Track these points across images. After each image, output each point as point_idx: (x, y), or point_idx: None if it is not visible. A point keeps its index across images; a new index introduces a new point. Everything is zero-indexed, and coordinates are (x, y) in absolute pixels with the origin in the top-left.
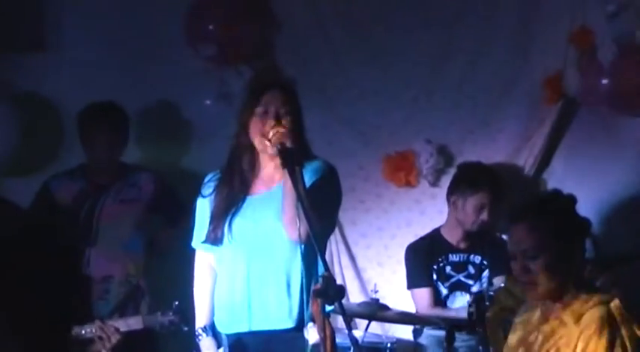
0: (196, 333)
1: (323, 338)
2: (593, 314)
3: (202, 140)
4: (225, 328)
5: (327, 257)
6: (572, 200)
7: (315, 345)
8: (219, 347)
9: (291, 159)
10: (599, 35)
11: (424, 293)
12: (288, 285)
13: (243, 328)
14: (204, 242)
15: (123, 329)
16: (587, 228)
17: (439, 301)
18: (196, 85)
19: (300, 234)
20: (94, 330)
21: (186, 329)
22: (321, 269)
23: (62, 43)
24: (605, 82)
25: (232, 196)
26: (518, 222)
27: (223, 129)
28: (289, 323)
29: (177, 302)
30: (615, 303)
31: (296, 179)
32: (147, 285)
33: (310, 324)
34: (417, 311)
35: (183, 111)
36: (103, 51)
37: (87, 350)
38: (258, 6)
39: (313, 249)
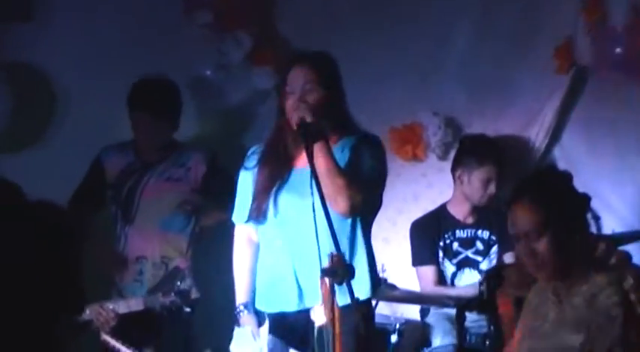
0: (237, 310)
1: (331, 320)
2: (606, 296)
3: (202, 113)
4: (268, 306)
5: None
6: (568, 175)
7: (320, 327)
8: (260, 325)
9: (308, 135)
10: (611, 1)
11: (428, 271)
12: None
13: (291, 307)
14: (248, 221)
15: (123, 310)
16: (586, 202)
17: (446, 279)
18: (194, 55)
19: (346, 207)
20: (92, 313)
21: (188, 310)
22: (356, 247)
23: (53, 13)
24: (617, 49)
25: (278, 169)
26: (517, 202)
27: (221, 100)
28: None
29: (179, 283)
30: (629, 283)
31: (310, 155)
32: (190, 268)
33: (317, 305)
34: (421, 290)
35: (180, 82)
36: (95, 20)
37: (87, 331)
38: None
39: (361, 223)
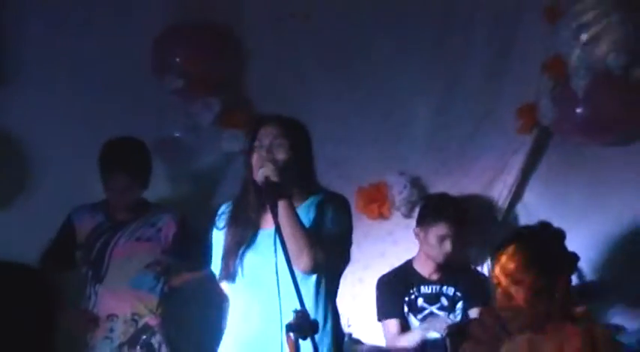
0: None
1: None
2: (575, 343)
3: (169, 175)
4: None
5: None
6: (561, 233)
7: None
8: None
9: (272, 193)
10: (572, 64)
11: (393, 324)
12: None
13: None
14: (219, 280)
15: None
16: (574, 262)
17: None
18: (163, 116)
19: (308, 266)
20: None
21: None
22: (320, 303)
23: (24, 76)
24: (578, 110)
25: (244, 231)
26: (506, 248)
27: (192, 161)
28: None
29: (144, 337)
30: (599, 332)
31: (275, 213)
32: (160, 325)
33: None
34: (386, 342)
35: (149, 144)
36: (66, 84)
37: None
38: (225, 37)
39: (325, 279)
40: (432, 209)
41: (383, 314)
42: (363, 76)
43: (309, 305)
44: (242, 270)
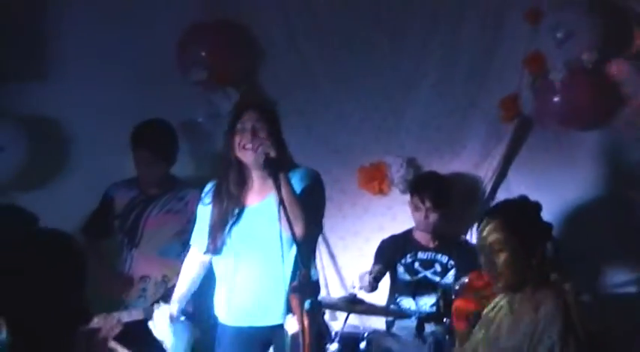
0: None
1: (302, 329)
2: (550, 304)
3: (193, 155)
4: (228, 321)
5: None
6: (537, 206)
7: (294, 335)
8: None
9: (274, 168)
10: (550, 59)
11: (373, 269)
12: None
13: (246, 323)
14: (206, 252)
15: (126, 319)
16: (548, 231)
17: (407, 293)
18: (188, 104)
19: (302, 232)
20: (98, 321)
21: (182, 319)
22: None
23: (64, 69)
24: (556, 100)
25: (228, 209)
26: (488, 220)
27: (212, 145)
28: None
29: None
30: (569, 295)
31: (279, 185)
32: None
33: (289, 316)
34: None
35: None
36: (103, 76)
37: (93, 339)
38: (243, 36)
39: (305, 249)
40: (414, 183)
41: (373, 263)
42: (363, 70)
43: (293, 269)
44: (230, 243)
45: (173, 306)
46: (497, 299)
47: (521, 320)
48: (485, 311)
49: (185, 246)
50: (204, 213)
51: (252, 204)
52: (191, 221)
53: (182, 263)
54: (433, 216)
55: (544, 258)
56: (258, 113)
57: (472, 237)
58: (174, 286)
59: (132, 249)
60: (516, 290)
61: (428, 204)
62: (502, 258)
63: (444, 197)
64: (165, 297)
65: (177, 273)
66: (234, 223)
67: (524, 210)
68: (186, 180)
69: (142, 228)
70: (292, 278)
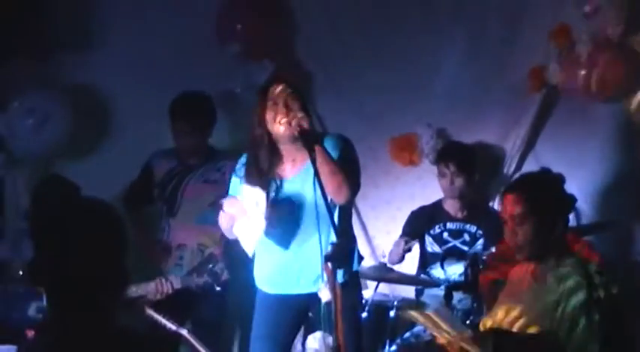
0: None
1: (334, 297)
2: (573, 277)
3: (231, 126)
4: (267, 289)
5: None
6: (560, 178)
7: (327, 303)
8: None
9: (313, 138)
10: (576, 32)
11: (400, 242)
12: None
13: (283, 290)
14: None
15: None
16: (570, 203)
17: (435, 262)
18: (226, 76)
19: (347, 197)
20: (145, 288)
21: (218, 289)
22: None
23: (108, 41)
24: (582, 73)
25: (266, 184)
26: (511, 192)
27: (250, 116)
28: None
29: (210, 266)
30: (593, 267)
31: (314, 157)
32: (223, 254)
33: (322, 284)
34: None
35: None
36: (144, 48)
37: (133, 306)
38: (279, 9)
39: (345, 217)
40: (439, 152)
41: (401, 234)
42: (395, 42)
43: (328, 239)
44: (270, 215)
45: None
46: (521, 268)
47: (544, 291)
48: (509, 278)
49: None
50: (236, 184)
51: (287, 176)
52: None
53: (219, 231)
54: (458, 181)
55: (567, 229)
56: (287, 88)
57: (498, 206)
58: (210, 255)
59: (170, 217)
60: (539, 260)
61: (452, 168)
62: (523, 230)
63: (468, 162)
64: (201, 267)
65: (214, 241)
66: (275, 195)
67: (545, 183)
68: (224, 151)
69: (179, 197)
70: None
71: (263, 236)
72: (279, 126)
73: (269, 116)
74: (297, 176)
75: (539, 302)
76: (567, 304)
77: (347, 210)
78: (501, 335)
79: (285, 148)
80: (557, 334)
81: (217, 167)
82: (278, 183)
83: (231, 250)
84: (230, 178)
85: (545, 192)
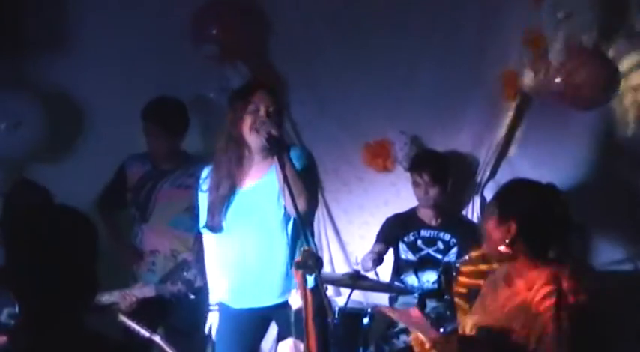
0: (211, 307)
1: (304, 304)
2: (542, 282)
3: (205, 129)
4: (234, 302)
5: (315, 232)
6: (551, 189)
7: (297, 310)
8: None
9: (278, 147)
10: (550, 39)
11: (375, 247)
12: (284, 263)
13: (247, 304)
14: (204, 227)
15: (139, 296)
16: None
17: (409, 270)
18: (200, 80)
19: (305, 206)
20: (116, 297)
21: (192, 296)
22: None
23: (82, 43)
24: (555, 80)
25: (224, 193)
26: (488, 205)
27: (223, 120)
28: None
29: (185, 273)
30: (564, 272)
31: (282, 163)
32: (195, 260)
33: (293, 291)
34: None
35: (188, 102)
36: (119, 50)
37: (105, 313)
38: (253, 12)
39: (301, 226)
40: (413, 161)
41: (375, 241)
42: (369, 48)
43: (290, 243)
44: (227, 224)
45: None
46: (494, 272)
47: (516, 295)
48: (484, 282)
49: (195, 220)
50: (204, 199)
51: (247, 185)
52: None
53: (192, 237)
54: (433, 191)
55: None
56: (271, 95)
57: (472, 213)
58: (183, 261)
59: (143, 222)
60: (512, 265)
61: (426, 178)
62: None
63: (442, 172)
64: (174, 273)
65: (187, 247)
66: (228, 206)
67: (516, 192)
68: (197, 156)
69: (153, 202)
70: (292, 255)
71: (221, 249)
72: (255, 133)
73: (247, 121)
74: (258, 183)
75: (511, 306)
76: (535, 312)
77: (311, 219)
78: (466, 338)
79: (249, 157)
80: (528, 337)
81: (190, 172)
82: (234, 192)
83: (204, 257)
84: None
85: (515, 202)
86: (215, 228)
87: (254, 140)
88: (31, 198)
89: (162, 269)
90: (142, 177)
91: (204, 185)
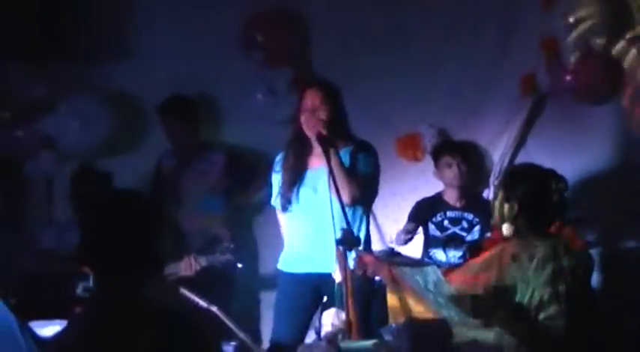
0: None
1: (344, 277)
2: (541, 252)
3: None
4: (288, 268)
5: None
6: (548, 173)
7: (339, 284)
8: None
9: (325, 144)
10: (563, 42)
11: (405, 226)
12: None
13: (300, 269)
14: (281, 210)
15: (202, 264)
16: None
17: (437, 246)
18: (248, 82)
19: (348, 198)
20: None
21: (240, 265)
22: (360, 226)
23: (143, 51)
24: (568, 79)
25: (294, 172)
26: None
27: (269, 117)
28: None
29: (232, 246)
30: (563, 246)
31: (329, 159)
32: (226, 233)
33: (336, 266)
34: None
35: (236, 103)
36: (175, 57)
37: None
38: (297, 21)
39: (354, 211)
40: (442, 147)
41: (407, 220)
42: (398, 51)
43: (353, 227)
44: (297, 201)
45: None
46: (502, 247)
47: (519, 268)
48: (493, 257)
49: (221, 201)
50: (277, 179)
51: (313, 167)
52: (221, 177)
53: (222, 214)
54: (464, 169)
55: (542, 215)
56: (320, 92)
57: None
58: (214, 237)
59: (179, 208)
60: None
61: (458, 158)
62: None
63: (471, 153)
64: (208, 246)
65: (218, 225)
66: (300, 184)
67: (520, 174)
68: (213, 145)
69: (181, 189)
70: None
71: (287, 222)
72: (306, 128)
73: (303, 116)
74: (320, 168)
75: (515, 278)
76: (536, 282)
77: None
78: (477, 297)
79: (315, 144)
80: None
81: (207, 158)
82: (306, 171)
83: (235, 232)
84: (220, 166)
85: (527, 185)
86: (285, 207)
87: (309, 134)
88: (94, 182)
89: (197, 245)
90: (170, 168)
91: (277, 166)
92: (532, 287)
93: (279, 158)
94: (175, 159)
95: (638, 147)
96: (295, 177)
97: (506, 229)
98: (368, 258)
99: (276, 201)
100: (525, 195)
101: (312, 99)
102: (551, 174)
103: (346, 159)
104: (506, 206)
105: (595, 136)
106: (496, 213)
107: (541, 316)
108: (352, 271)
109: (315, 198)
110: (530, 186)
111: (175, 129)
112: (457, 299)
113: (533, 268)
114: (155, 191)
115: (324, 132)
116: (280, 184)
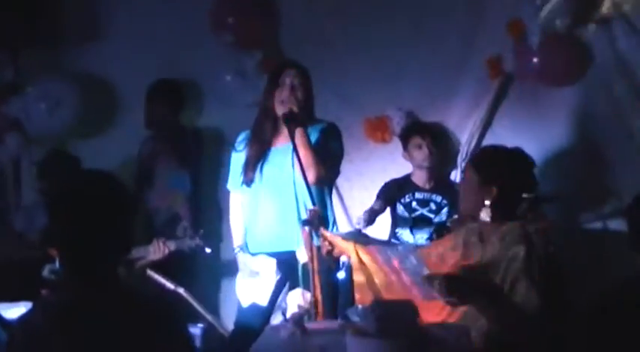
0: (235, 250)
1: (310, 257)
2: (513, 233)
3: (222, 107)
4: (254, 248)
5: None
6: (515, 153)
7: (304, 264)
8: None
9: (293, 121)
10: (529, 24)
11: (375, 204)
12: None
13: (270, 249)
14: (241, 185)
15: (171, 248)
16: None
17: (406, 227)
18: (217, 64)
19: (314, 177)
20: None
21: (209, 251)
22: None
23: (113, 32)
24: (534, 61)
25: (261, 149)
26: (467, 165)
27: (238, 98)
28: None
29: (202, 230)
30: (533, 226)
31: (293, 136)
32: (187, 212)
33: (301, 246)
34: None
35: (206, 84)
36: (145, 38)
37: (133, 267)
38: (266, 4)
39: (317, 191)
40: (412, 129)
41: (375, 199)
42: (368, 36)
43: (308, 204)
44: (260, 178)
45: (241, 256)
46: (468, 228)
47: (488, 249)
48: (460, 239)
49: (186, 181)
50: (237, 159)
51: (279, 145)
52: (183, 158)
53: (185, 193)
54: (433, 150)
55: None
56: (297, 72)
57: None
58: (176, 215)
59: (150, 189)
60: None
61: (428, 139)
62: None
63: (439, 135)
64: (169, 223)
65: (181, 203)
66: (264, 161)
67: (494, 158)
68: (187, 129)
69: (153, 170)
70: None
71: (248, 200)
72: (280, 105)
73: (277, 94)
74: (285, 146)
75: (484, 259)
76: (508, 262)
77: (326, 186)
78: (452, 276)
79: (281, 123)
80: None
81: (177, 141)
82: (271, 149)
83: (196, 209)
84: (189, 144)
85: (504, 168)
86: (249, 182)
87: (280, 111)
88: (62, 166)
89: (160, 222)
90: (148, 150)
91: (239, 145)
92: (503, 267)
93: (242, 137)
94: (152, 142)
95: (600, 126)
96: (260, 154)
97: (485, 214)
98: (334, 238)
99: (233, 181)
100: (505, 179)
101: (291, 78)
102: (521, 154)
103: (313, 138)
104: (483, 190)
105: (559, 117)
106: (471, 197)
107: (514, 296)
108: (318, 251)
109: (280, 176)
110: (507, 170)
111: (159, 112)
112: (430, 279)
113: (504, 248)
114: (136, 178)
115: (295, 109)
116: (245, 161)
